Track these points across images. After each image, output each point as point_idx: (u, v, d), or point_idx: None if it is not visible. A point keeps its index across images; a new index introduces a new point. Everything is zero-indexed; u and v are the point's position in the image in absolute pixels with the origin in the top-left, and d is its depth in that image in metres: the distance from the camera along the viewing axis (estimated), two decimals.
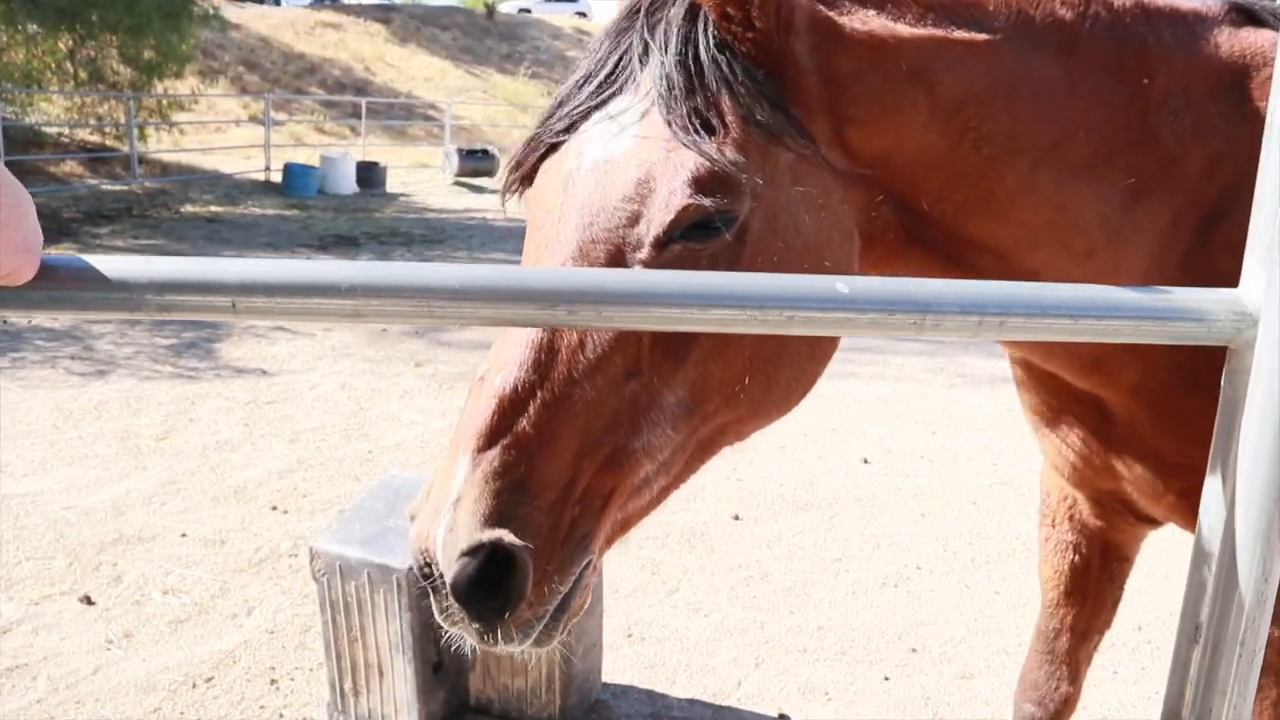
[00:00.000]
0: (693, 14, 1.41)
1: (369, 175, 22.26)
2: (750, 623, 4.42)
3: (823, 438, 6.87)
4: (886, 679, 4.04)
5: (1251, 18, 1.74)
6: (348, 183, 21.59)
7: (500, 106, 33.21)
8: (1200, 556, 1.25)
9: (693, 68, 1.38)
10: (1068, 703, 2.61)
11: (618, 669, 4.00)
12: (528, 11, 49.35)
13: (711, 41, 1.39)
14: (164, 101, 21.09)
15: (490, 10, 42.95)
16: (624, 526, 1.42)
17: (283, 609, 4.38)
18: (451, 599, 1.25)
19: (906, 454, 6.66)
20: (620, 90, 1.44)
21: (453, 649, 1.58)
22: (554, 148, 1.48)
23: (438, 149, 26.92)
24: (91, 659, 3.97)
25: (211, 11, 22.02)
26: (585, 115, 1.45)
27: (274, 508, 5.44)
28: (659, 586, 4.72)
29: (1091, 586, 2.50)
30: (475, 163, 24.53)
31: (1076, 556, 2.49)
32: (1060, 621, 2.55)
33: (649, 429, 1.35)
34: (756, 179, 1.38)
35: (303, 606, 4.38)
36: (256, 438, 6.53)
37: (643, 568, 4.87)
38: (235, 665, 3.97)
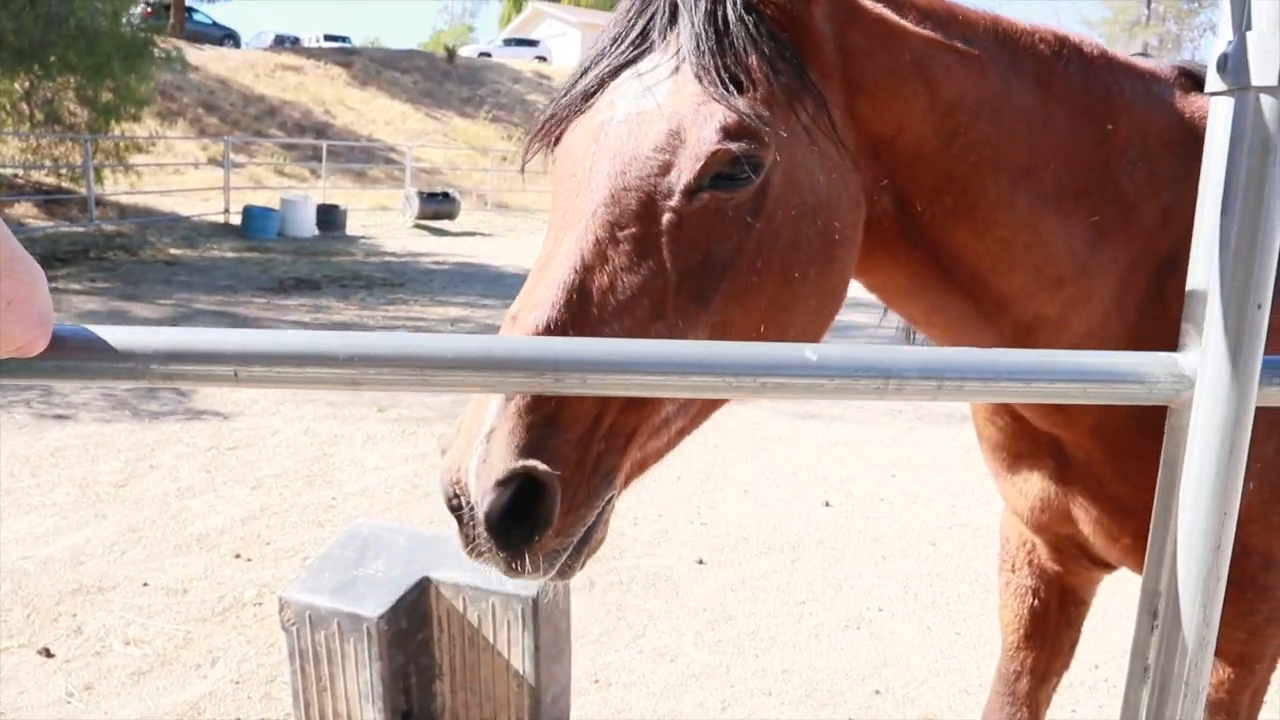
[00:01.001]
0: None
1: (329, 218, 22.24)
2: (716, 667, 4.46)
3: (785, 481, 6.95)
4: None
5: (1198, 83, 1.87)
6: (308, 225, 21.55)
7: (461, 150, 33.35)
8: (1147, 601, 1.33)
9: (721, 27, 1.48)
10: None
11: (586, 715, 4.01)
12: (488, 55, 49.79)
13: (739, 3, 1.49)
14: (122, 144, 20.96)
15: (451, 54, 43.31)
16: (642, 466, 1.50)
17: (247, 659, 4.35)
18: (481, 529, 1.32)
19: (867, 496, 6.76)
20: (650, 49, 1.53)
21: (418, 708, 1.61)
22: (582, 107, 1.56)
23: (398, 192, 26.96)
24: (52, 713, 3.92)
25: (173, 53, 21.96)
26: (615, 73, 1.54)
27: (237, 555, 5.40)
28: (625, 631, 4.74)
29: (1050, 630, 2.58)
30: (436, 205, 24.61)
31: (1036, 601, 2.57)
32: (1021, 664, 2.62)
33: None
34: (780, 133, 1.47)
35: (268, 656, 4.35)
36: (218, 484, 6.48)
37: (609, 613, 4.90)
38: (200, 717, 3.93)
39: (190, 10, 42.80)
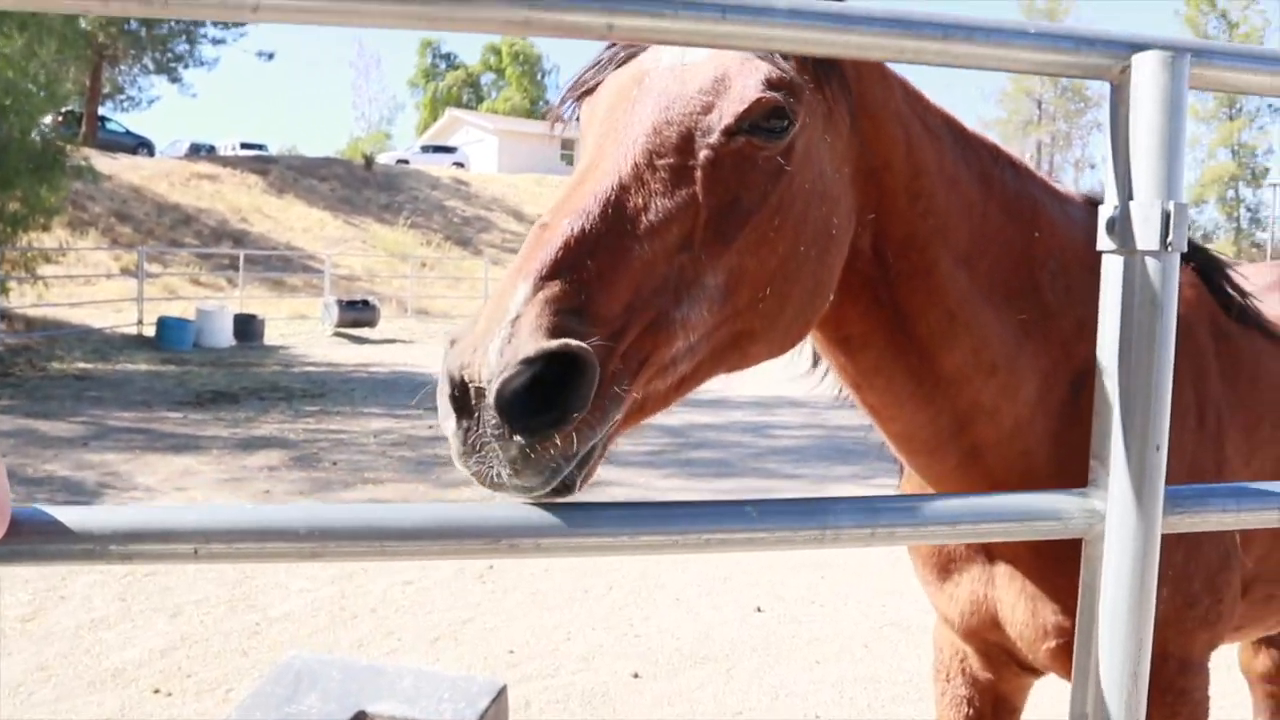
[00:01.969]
0: None
1: (247, 328, 21.97)
2: None
3: (715, 587, 6.95)
4: None
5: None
6: (225, 336, 21.25)
7: (380, 256, 33.40)
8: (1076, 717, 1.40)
9: None
10: None
11: None
12: (406, 162, 50.31)
13: None
14: (29, 254, 20.52)
15: (369, 161, 43.64)
16: (640, 412, 1.50)
17: None
18: (492, 412, 1.25)
19: (798, 600, 6.79)
20: None
21: None
22: (624, 59, 1.66)
23: (317, 300, 26.80)
24: None
25: (84, 163, 21.70)
26: None
27: (156, 690, 5.19)
28: None
29: None
30: (355, 313, 24.50)
31: (971, 710, 2.62)
32: None
33: (689, 304, 1.48)
34: (812, 101, 1.61)
35: None
36: (135, 614, 6.24)
37: None
38: None
39: (103, 119, 42.55)
